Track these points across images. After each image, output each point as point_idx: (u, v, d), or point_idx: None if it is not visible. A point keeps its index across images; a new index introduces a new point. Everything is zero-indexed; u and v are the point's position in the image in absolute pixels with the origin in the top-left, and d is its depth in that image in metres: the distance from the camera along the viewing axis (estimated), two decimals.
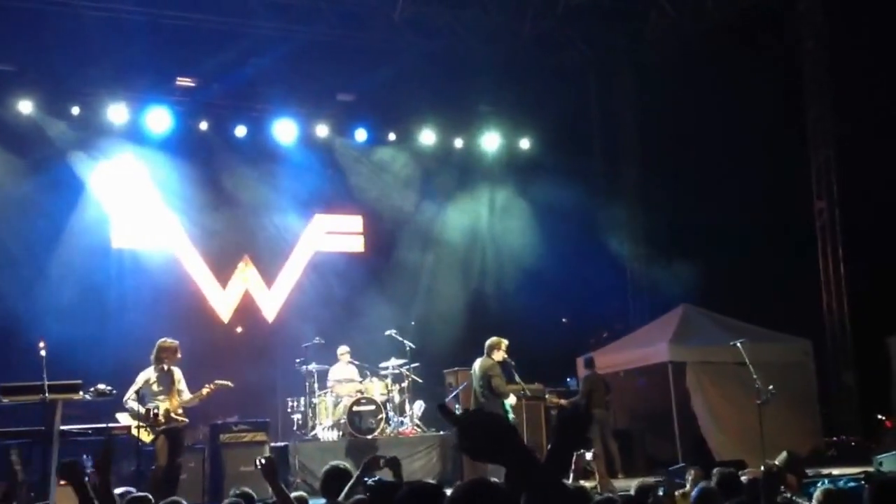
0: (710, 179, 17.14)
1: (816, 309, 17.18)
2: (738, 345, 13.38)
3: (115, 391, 11.24)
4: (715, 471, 7.50)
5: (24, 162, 15.11)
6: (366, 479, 6.92)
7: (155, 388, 11.24)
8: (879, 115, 16.19)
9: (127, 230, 15.95)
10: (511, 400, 12.77)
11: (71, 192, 15.33)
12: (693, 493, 6.50)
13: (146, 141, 15.84)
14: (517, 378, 13.04)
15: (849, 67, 16.90)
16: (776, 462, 11.38)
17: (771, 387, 13.02)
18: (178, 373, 11.46)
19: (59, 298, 14.19)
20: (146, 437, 11.12)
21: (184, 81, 15.90)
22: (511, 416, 12.81)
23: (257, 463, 6.29)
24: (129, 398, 11.20)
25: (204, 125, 16.20)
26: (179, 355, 11.50)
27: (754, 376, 13.06)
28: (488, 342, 12.87)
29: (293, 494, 7.56)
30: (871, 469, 11.81)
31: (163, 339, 11.50)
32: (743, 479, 7.74)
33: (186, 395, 11.38)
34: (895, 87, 15.80)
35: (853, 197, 16.91)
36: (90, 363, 12.91)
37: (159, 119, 15.74)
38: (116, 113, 15.48)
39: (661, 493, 6.54)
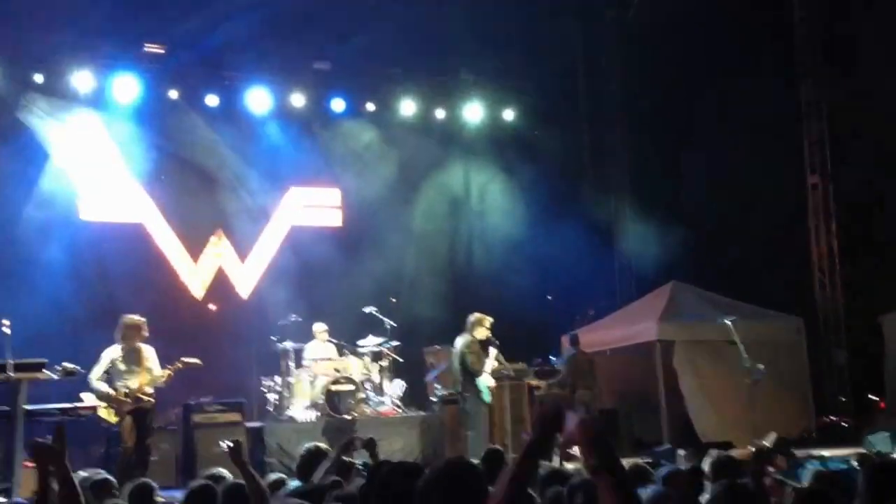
0: (701, 153, 16.83)
1: (808, 287, 16.94)
2: (729, 323, 13.15)
3: (82, 370, 10.92)
4: (714, 452, 7.19)
5: None
6: (351, 460, 6.64)
7: (121, 366, 10.87)
8: (874, 89, 15.88)
9: (94, 202, 15.31)
10: (488, 381, 12.41)
11: (35, 162, 14.63)
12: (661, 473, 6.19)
13: (113, 109, 15.18)
14: (501, 358, 12.72)
15: (843, 38, 16.59)
16: (765, 442, 11.22)
17: (761, 366, 12.85)
18: (146, 350, 11.05)
19: (24, 274, 13.61)
20: (112, 418, 10.75)
21: (152, 48, 15.24)
22: (487, 396, 12.44)
23: (225, 446, 6.00)
24: (95, 377, 10.80)
25: (174, 93, 15.56)
26: (146, 333, 11.08)
27: (744, 355, 12.85)
28: (470, 318, 12.55)
29: (272, 476, 7.23)
30: (862, 450, 11.63)
31: (127, 316, 11.09)
32: None
33: (158, 373, 10.96)
34: (891, 58, 15.48)
35: (847, 172, 16.63)
36: (56, 341, 12.44)
37: (127, 87, 15.06)
38: (82, 80, 14.79)
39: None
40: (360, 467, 6.92)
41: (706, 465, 6.65)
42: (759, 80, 16.80)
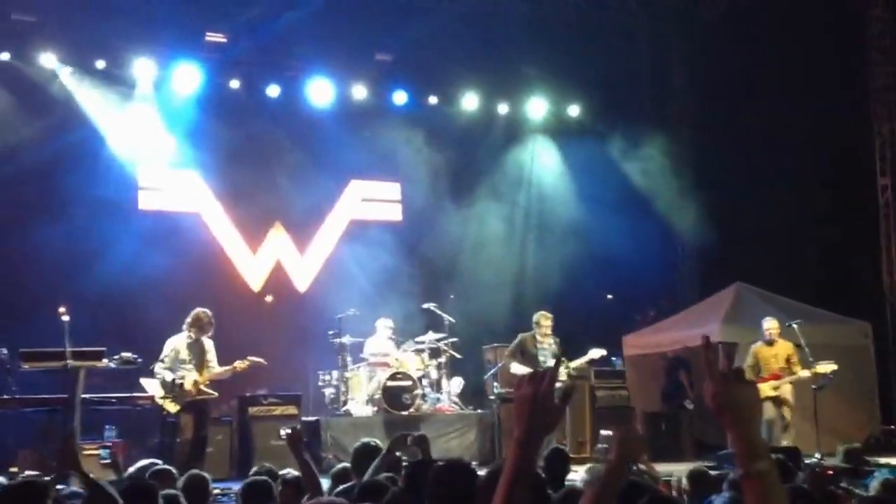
0: (767, 152, 16.41)
1: (877, 290, 16.47)
2: (794, 326, 12.88)
3: (140, 359, 10.99)
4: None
5: (46, 122, 14.40)
6: (401, 458, 6.53)
7: (184, 356, 10.91)
8: None
9: (154, 192, 15.33)
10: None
11: (94, 151, 14.64)
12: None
13: (174, 99, 15.15)
14: (558, 355, 12.40)
15: None
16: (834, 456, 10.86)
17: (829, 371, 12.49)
18: (208, 343, 11.11)
19: (82, 263, 13.62)
20: (172, 407, 10.76)
21: (214, 37, 15.19)
22: None
23: (282, 433, 5.97)
24: (160, 366, 10.85)
25: (235, 83, 15.51)
26: (212, 330, 11.15)
27: (811, 359, 12.55)
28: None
29: (337, 466, 7.19)
30: None
31: (202, 310, 11.13)
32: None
33: (217, 368, 11.02)
34: None
35: None
36: (112, 329, 12.56)
37: (188, 76, 15.03)
38: (143, 68, 14.79)
39: None
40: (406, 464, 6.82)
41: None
42: (830, 76, 16.37)
